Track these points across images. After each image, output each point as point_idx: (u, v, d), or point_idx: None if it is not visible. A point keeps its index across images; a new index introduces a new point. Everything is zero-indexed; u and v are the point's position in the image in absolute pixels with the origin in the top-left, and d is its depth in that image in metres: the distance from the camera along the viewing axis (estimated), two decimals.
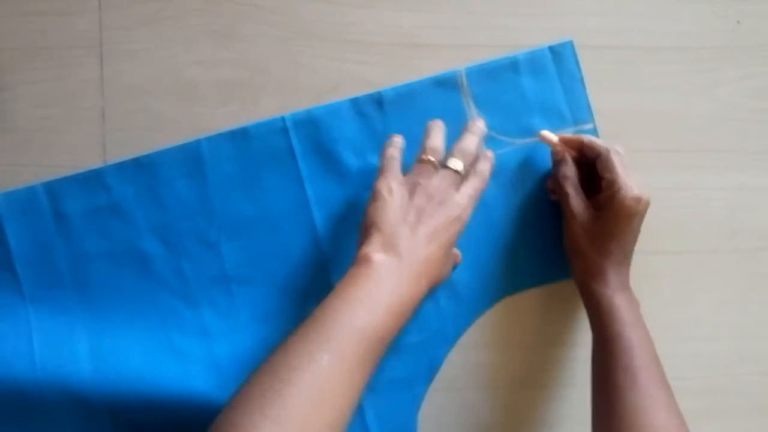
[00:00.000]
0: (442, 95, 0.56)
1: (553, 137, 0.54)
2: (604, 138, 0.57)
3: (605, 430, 0.46)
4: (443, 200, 0.47)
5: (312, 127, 0.55)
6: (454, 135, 0.55)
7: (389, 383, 0.54)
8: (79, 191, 0.53)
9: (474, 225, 0.55)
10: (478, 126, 0.52)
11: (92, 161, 0.54)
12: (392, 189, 0.47)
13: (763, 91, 0.58)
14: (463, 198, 0.48)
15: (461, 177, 0.49)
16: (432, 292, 0.54)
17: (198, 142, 0.54)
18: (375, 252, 0.45)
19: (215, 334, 0.54)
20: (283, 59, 0.56)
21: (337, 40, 0.56)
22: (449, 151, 0.50)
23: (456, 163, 0.49)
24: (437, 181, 0.48)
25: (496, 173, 0.55)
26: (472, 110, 0.56)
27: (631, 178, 0.50)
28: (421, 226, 0.46)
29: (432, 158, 0.49)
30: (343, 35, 0.56)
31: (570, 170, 0.53)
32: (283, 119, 0.55)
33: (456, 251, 0.53)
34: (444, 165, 0.49)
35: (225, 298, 0.54)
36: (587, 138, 0.53)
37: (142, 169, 0.54)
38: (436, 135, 0.50)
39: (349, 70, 0.56)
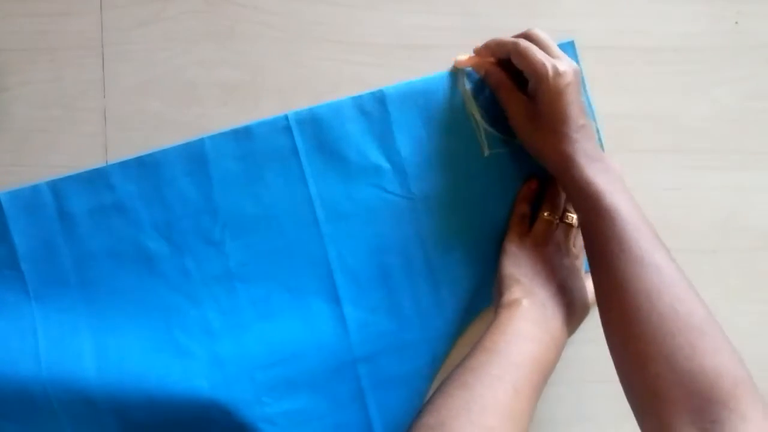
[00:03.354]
0: (444, 93, 0.56)
1: (469, 59, 0.54)
2: (605, 138, 0.57)
3: (603, 301, 0.47)
4: (565, 254, 0.53)
5: (315, 126, 0.55)
6: (455, 135, 0.55)
7: (392, 379, 0.54)
8: (83, 190, 0.54)
9: (476, 224, 0.56)
10: None
11: (93, 162, 0.55)
12: (521, 245, 0.53)
13: (762, 92, 0.58)
14: (579, 250, 0.54)
15: (576, 228, 0.54)
16: (434, 291, 0.55)
17: (201, 140, 0.54)
18: (521, 298, 0.49)
19: (219, 332, 0.54)
20: (283, 60, 0.56)
21: (336, 41, 0.56)
22: (566, 202, 0.55)
23: (571, 218, 0.54)
24: (558, 236, 0.53)
25: (497, 173, 0.56)
26: (473, 109, 0.56)
27: (552, 56, 0.49)
28: (552, 276, 0.51)
29: (552, 218, 0.54)
30: (343, 36, 0.56)
31: (497, 76, 0.53)
32: (286, 118, 0.55)
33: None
34: (561, 219, 0.54)
35: (229, 296, 0.54)
36: (493, 41, 0.53)
37: (146, 168, 0.54)
38: (555, 193, 0.55)
39: (348, 70, 0.56)
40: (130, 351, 0.52)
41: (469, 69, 0.55)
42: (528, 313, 0.49)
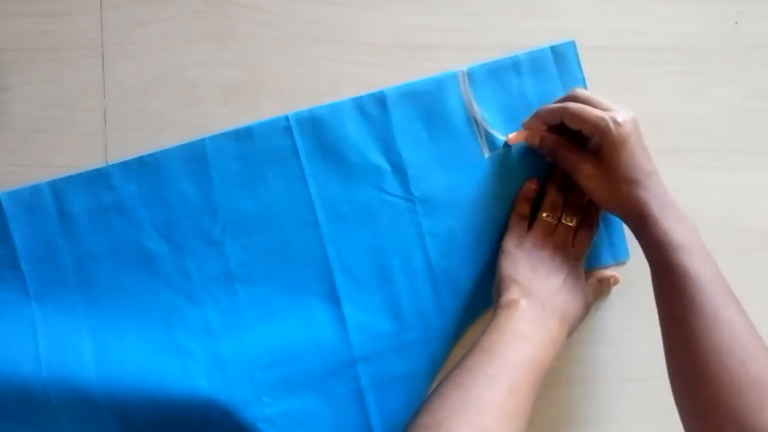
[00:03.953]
0: (444, 95, 0.56)
1: (520, 134, 0.54)
2: None
3: (671, 354, 0.46)
4: (564, 254, 0.53)
5: (315, 126, 0.55)
6: (455, 136, 0.56)
7: (392, 380, 0.54)
8: (83, 190, 0.54)
9: (475, 225, 0.56)
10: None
11: (94, 162, 0.55)
12: (520, 245, 0.53)
13: (762, 92, 0.58)
14: (578, 251, 0.54)
15: (575, 228, 0.54)
16: (434, 292, 0.55)
17: (202, 141, 0.54)
18: (519, 299, 0.49)
19: (219, 333, 0.54)
20: (283, 60, 0.56)
21: (337, 41, 0.56)
22: (565, 203, 0.55)
23: (570, 219, 0.54)
24: (557, 237, 0.53)
25: (497, 174, 0.56)
26: (473, 110, 0.56)
27: (604, 109, 0.49)
28: (551, 276, 0.51)
29: (551, 218, 0.54)
30: (343, 36, 0.56)
31: (553, 139, 0.53)
32: (286, 118, 0.55)
33: (602, 276, 0.55)
34: (560, 220, 0.54)
35: (229, 297, 0.54)
36: (542, 109, 0.53)
37: (146, 168, 0.54)
38: (554, 194, 0.55)
39: (349, 71, 0.56)
40: (130, 351, 0.52)
41: (471, 70, 0.55)
42: (526, 313, 0.49)
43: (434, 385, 0.54)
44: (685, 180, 0.58)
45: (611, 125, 0.48)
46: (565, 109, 0.50)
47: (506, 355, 0.46)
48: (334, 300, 0.55)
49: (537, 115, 0.53)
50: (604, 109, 0.49)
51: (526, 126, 0.54)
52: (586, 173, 0.50)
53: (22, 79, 0.55)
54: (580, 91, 0.52)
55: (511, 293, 0.50)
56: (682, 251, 0.46)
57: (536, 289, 0.50)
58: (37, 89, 0.55)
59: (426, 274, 0.55)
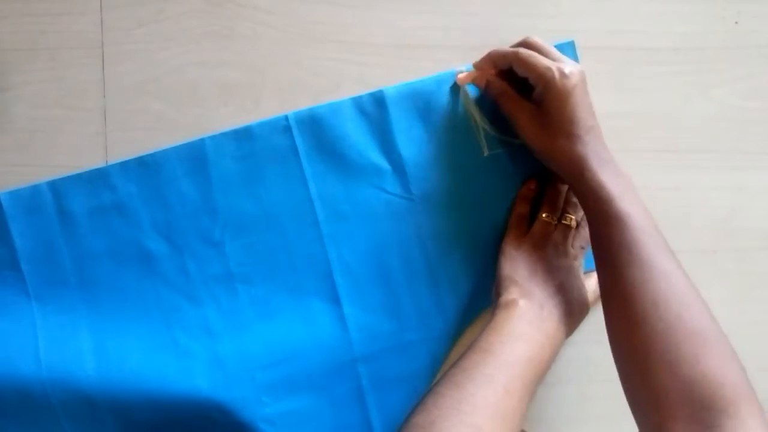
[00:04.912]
0: (444, 94, 0.56)
1: (469, 75, 0.54)
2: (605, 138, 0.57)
3: (609, 306, 0.47)
4: (563, 254, 0.53)
5: (315, 126, 0.55)
6: (455, 135, 0.55)
7: (392, 380, 0.54)
8: (83, 190, 0.54)
9: (475, 224, 0.56)
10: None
11: (94, 162, 0.55)
12: (519, 246, 0.53)
13: (761, 92, 0.58)
14: (577, 250, 0.54)
15: (574, 229, 0.54)
16: (434, 292, 0.55)
17: (202, 141, 0.54)
18: (518, 299, 0.50)
19: (219, 333, 0.54)
20: (282, 60, 0.56)
21: (336, 41, 0.56)
22: (565, 203, 0.55)
23: (570, 219, 0.54)
24: (556, 237, 0.53)
25: (496, 173, 0.56)
26: (473, 109, 0.56)
27: (553, 59, 0.49)
28: (549, 276, 0.52)
29: (551, 219, 0.54)
30: (343, 36, 0.56)
31: (498, 85, 0.52)
32: (286, 118, 0.55)
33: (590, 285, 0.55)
34: (560, 221, 0.54)
35: (228, 297, 0.54)
36: (494, 52, 0.52)
37: (146, 168, 0.54)
38: (554, 194, 0.55)
39: (348, 71, 0.56)
40: (130, 351, 0.52)
41: (470, 70, 0.55)
42: (524, 313, 0.49)
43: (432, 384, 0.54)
44: (685, 180, 0.58)
45: (557, 75, 0.48)
46: (515, 54, 0.50)
47: (503, 354, 0.46)
48: (334, 300, 0.55)
49: (488, 58, 0.53)
50: (554, 59, 0.49)
51: (477, 67, 0.54)
52: (523, 122, 0.51)
53: (22, 79, 0.55)
54: (534, 39, 0.51)
55: (510, 293, 0.50)
56: (620, 201, 0.46)
57: (535, 289, 0.51)
58: (37, 89, 0.55)
59: (426, 274, 0.55)
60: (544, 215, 0.54)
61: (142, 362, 0.52)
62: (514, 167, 0.56)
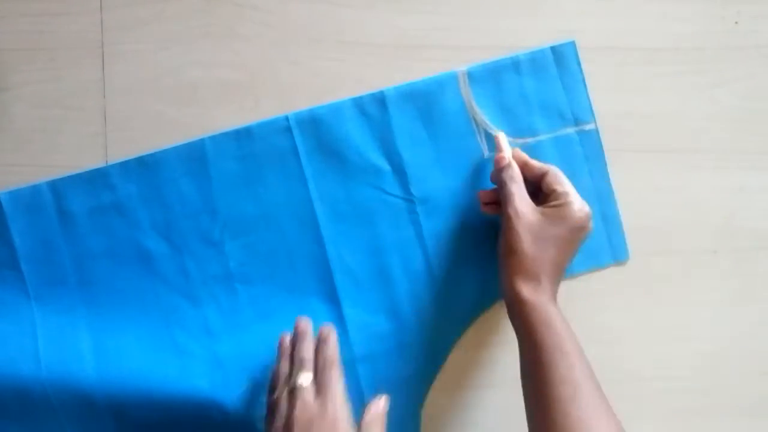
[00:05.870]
0: (444, 95, 0.56)
1: (507, 146, 0.53)
2: (604, 138, 0.57)
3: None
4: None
5: (315, 127, 0.55)
6: (455, 136, 0.55)
7: (392, 381, 0.54)
8: (83, 190, 0.54)
9: (473, 225, 0.56)
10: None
11: (94, 162, 0.55)
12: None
13: (761, 92, 0.58)
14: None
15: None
16: (434, 293, 0.55)
17: (202, 141, 0.54)
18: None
19: (218, 332, 0.54)
20: (282, 60, 0.56)
21: (336, 42, 0.56)
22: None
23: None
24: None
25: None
26: (473, 110, 0.56)
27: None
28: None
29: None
30: (343, 36, 0.56)
31: (516, 174, 0.52)
32: (286, 118, 0.55)
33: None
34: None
35: (228, 297, 0.55)
36: (531, 159, 0.53)
37: (146, 168, 0.54)
38: (306, 347, 0.49)
39: (348, 71, 0.56)
40: (130, 351, 0.53)
41: (470, 70, 0.56)
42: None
43: (436, 386, 0.54)
44: (686, 180, 0.58)
45: (586, 209, 0.49)
46: (552, 167, 0.51)
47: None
48: (333, 300, 0.55)
49: (523, 156, 0.53)
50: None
51: (510, 153, 0.53)
52: (520, 218, 0.50)
53: (22, 79, 0.55)
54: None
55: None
56: (563, 337, 0.48)
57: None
58: (37, 89, 0.55)
59: (426, 274, 0.55)
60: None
61: (142, 362, 0.52)
62: None
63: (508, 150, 0.53)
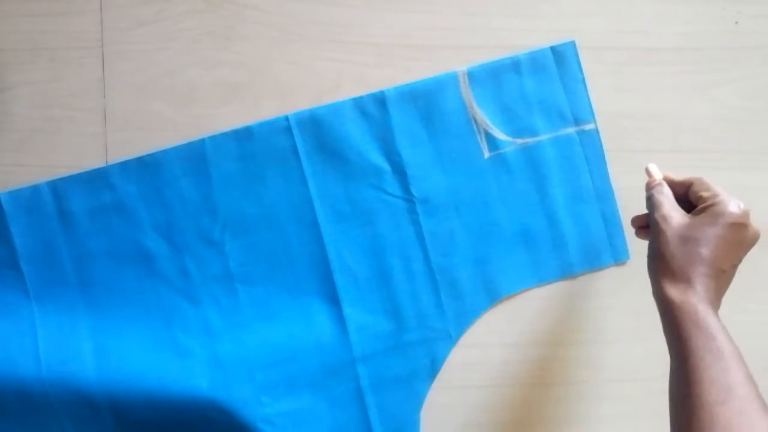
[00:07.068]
0: (444, 95, 0.56)
1: (658, 172, 0.52)
2: (604, 138, 0.57)
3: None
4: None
5: (315, 127, 0.55)
6: (455, 137, 0.55)
7: (392, 381, 0.55)
8: (83, 190, 0.54)
9: (474, 224, 0.56)
10: None
11: (94, 162, 0.55)
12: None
13: (762, 92, 0.58)
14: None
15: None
16: (434, 293, 0.55)
17: (202, 141, 0.54)
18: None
19: (218, 333, 0.54)
20: (282, 60, 0.56)
21: (336, 41, 0.56)
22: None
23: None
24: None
25: (497, 173, 0.56)
26: (473, 110, 0.56)
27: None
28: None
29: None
30: (343, 36, 0.56)
31: (666, 188, 0.51)
32: (286, 118, 0.55)
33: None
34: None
35: (228, 297, 0.55)
36: (677, 177, 0.52)
37: (146, 168, 0.54)
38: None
39: (348, 71, 0.56)
40: (130, 351, 0.52)
41: (470, 70, 0.56)
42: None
43: (436, 386, 0.54)
44: None
45: (742, 205, 0.48)
46: (703, 179, 0.50)
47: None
48: (333, 300, 0.55)
49: (669, 178, 0.52)
50: None
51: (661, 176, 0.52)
52: (669, 223, 0.48)
53: (22, 79, 0.55)
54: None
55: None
56: (715, 337, 0.45)
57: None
58: (37, 89, 0.55)
59: (426, 274, 0.55)
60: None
61: (142, 362, 0.52)
62: (514, 168, 0.56)
63: (659, 175, 0.52)
